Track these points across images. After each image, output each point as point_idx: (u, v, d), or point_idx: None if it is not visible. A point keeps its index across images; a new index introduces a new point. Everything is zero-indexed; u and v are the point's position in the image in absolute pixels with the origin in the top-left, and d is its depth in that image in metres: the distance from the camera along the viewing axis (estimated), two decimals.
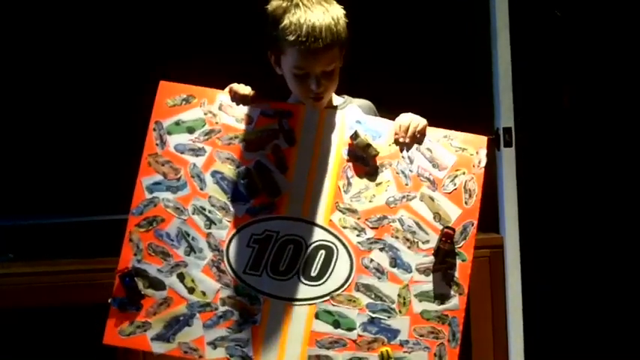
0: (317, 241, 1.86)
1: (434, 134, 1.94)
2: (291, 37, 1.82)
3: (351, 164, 1.90)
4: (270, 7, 1.90)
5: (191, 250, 1.86)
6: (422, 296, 1.86)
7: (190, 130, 1.91)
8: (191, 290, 1.85)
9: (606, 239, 3.82)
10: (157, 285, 1.86)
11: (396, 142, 1.92)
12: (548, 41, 3.74)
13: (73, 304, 2.90)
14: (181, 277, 1.85)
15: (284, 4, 1.86)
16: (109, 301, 1.85)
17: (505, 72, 3.25)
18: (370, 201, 1.89)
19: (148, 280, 1.86)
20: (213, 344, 1.83)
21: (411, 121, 1.93)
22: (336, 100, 2.06)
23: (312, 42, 1.82)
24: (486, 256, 3.13)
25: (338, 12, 1.89)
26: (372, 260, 1.86)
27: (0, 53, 3.16)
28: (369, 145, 1.89)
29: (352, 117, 1.95)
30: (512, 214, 3.26)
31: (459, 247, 1.88)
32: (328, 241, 1.86)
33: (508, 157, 3.22)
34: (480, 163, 1.93)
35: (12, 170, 3.15)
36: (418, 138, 1.92)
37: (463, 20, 3.37)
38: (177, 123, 1.91)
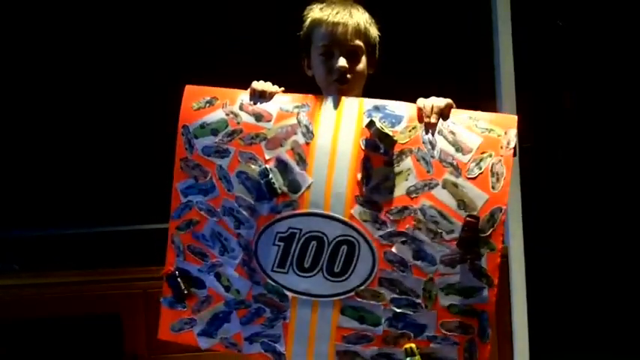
0: (339, 236, 1.83)
1: (458, 116, 1.81)
2: (317, 20, 1.92)
3: (369, 155, 1.83)
4: (305, 12, 1.99)
5: (224, 250, 1.93)
6: (448, 289, 1.78)
7: (214, 132, 1.94)
8: (227, 288, 1.92)
9: (612, 247, 3.58)
10: (199, 284, 1.95)
11: (420, 119, 1.82)
12: (550, 50, 3.46)
13: (77, 315, 2.97)
14: (218, 277, 1.93)
15: (316, 7, 1.97)
16: (160, 300, 1.99)
17: (508, 82, 3.16)
18: (390, 192, 1.81)
19: (191, 279, 1.96)
20: (250, 339, 1.91)
21: (434, 100, 1.83)
22: None
23: (336, 18, 1.91)
24: None
25: (367, 16, 1.97)
26: (394, 254, 1.80)
27: (19, 60, 3.27)
28: (385, 134, 1.80)
29: (370, 104, 1.86)
30: (517, 223, 3.19)
31: (487, 236, 1.75)
32: (350, 236, 1.83)
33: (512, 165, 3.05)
34: (508, 143, 1.77)
35: (16, 182, 3.24)
36: (442, 117, 1.81)
37: (466, 27, 3.22)
38: (202, 126, 1.96)
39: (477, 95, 3.23)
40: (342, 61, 1.89)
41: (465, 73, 3.24)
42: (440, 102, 1.81)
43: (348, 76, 1.90)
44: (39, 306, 2.99)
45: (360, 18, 1.93)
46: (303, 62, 2.01)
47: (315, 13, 1.95)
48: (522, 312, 3.17)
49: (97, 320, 2.96)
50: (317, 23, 1.93)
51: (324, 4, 1.96)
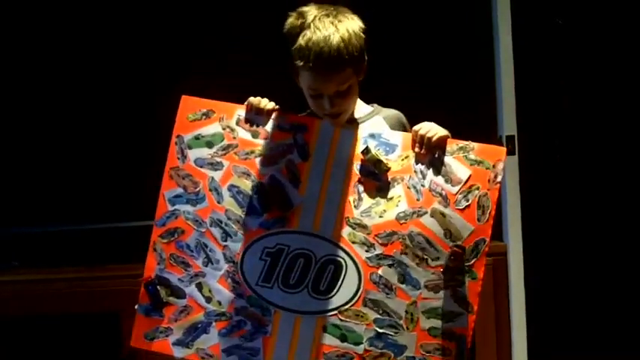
0: (326, 255, 1.89)
1: (449, 146, 1.90)
2: (301, 62, 1.85)
3: (362, 179, 1.90)
4: (286, 26, 1.92)
5: (209, 261, 1.95)
6: (430, 313, 1.85)
7: (209, 145, 1.97)
8: (208, 299, 1.94)
9: (610, 245, 3.73)
10: (178, 293, 1.96)
11: (414, 146, 1.89)
12: (550, 49, 3.64)
13: (76, 311, 2.97)
14: (200, 287, 1.95)
15: (298, 23, 1.88)
16: (136, 307, 1.98)
17: (508, 80, 3.23)
18: (380, 216, 1.89)
19: (170, 288, 1.96)
20: (228, 352, 1.92)
21: (430, 130, 1.89)
22: (364, 109, 2.06)
23: (320, 67, 1.83)
24: (490, 264, 3.05)
25: (350, 28, 1.87)
26: (380, 276, 1.87)
27: (18, 61, 3.28)
28: (379, 161, 1.88)
29: (366, 131, 1.94)
30: (516, 222, 3.26)
31: (470, 265, 1.85)
32: (337, 256, 1.88)
33: (511, 165, 3.22)
34: (496, 177, 1.87)
35: (16, 178, 3.25)
36: (435, 149, 1.88)
37: (466, 29, 3.33)
38: (197, 137, 1.98)
39: (477, 95, 3.32)
40: (332, 108, 1.89)
41: (465, 73, 3.33)
42: (434, 133, 1.88)
43: (341, 112, 1.93)
44: (38, 302, 2.96)
45: (344, 43, 1.82)
46: (292, 74, 1.95)
47: (299, 42, 1.85)
48: (521, 312, 3.25)
49: (96, 317, 2.93)
50: (301, 65, 1.85)
51: (306, 22, 1.85)
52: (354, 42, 1.86)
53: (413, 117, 2.03)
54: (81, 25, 3.27)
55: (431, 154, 1.89)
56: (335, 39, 1.83)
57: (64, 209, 3.22)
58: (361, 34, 1.89)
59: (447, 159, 1.89)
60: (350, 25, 1.88)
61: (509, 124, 3.24)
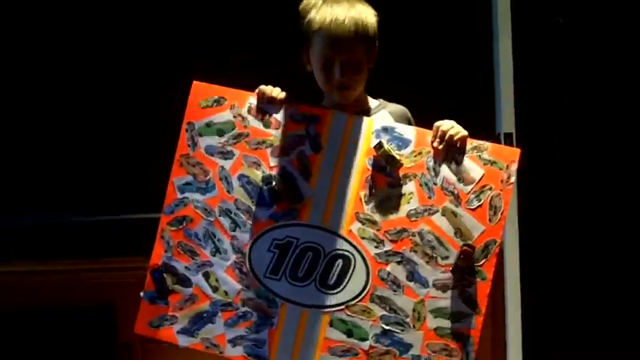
0: (335, 250, 1.87)
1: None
2: (316, 26, 1.88)
3: (374, 174, 1.88)
4: (301, 5, 1.95)
5: (216, 250, 1.93)
6: (437, 312, 1.84)
7: (220, 133, 1.95)
8: (215, 289, 1.93)
9: (609, 245, 3.71)
10: (184, 282, 1.95)
11: (431, 145, 1.88)
12: (549, 47, 3.60)
13: (71, 303, 2.95)
14: (207, 276, 1.93)
15: (313, 1, 1.92)
16: (141, 294, 1.97)
17: (507, 78, 3.22)
18: (391, 213, 1.87)
19: (177, 276, 1.95)
20: (233, 342, 1.91)
21: (453, 127, 1.87)
22: (371, 103, 2.04)
23: (335, 28, 1.86)
24: None
25: (366, 11, 1.92)
26: (389, 273, 1.86)
27: (16, 51, 3.24)
28: (392, 157, 1.86)
29: (379, 124, 1.91)
30: (512, 219, 3.23)
31: (479, 266, 1.84)
32: (346, 251, 1.87)
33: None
34: (509, 178, 1.85)
35: (16, 169, 3.23)
36: (453, 147, 1.86)
37: (465, 26, 3.30)
38: (208, 125, 1.96)
39: (476, 94, 3.30)
40: (342, 75, 1.89)
41: (465, 72, 3.31)
42: (457, 131, 1.86)
43: (350, 85, 1.93)
44: (33, 294, 2.95)
45: (358, 17, 1.88)
46: (302, 57, 1.98)
47: (313, 13, 1.91)
48: (516, 311, 3.26)
49: (91, 309, 2.92)
50: (316, 29, 1.89)
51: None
52: (368, 21, 1.90)
53: (413, 115, 2.03)
54: (82, 24, 3.23)
55: (447, 152, 1.87)
56: (351, 11, 1.88)
57: (61, 201, 3.20)
58: (374, 18, 1.93)
59: (461, 157, 1.87)
60: (364, 8, 1.93)
61: (507, 122, 3.23)
